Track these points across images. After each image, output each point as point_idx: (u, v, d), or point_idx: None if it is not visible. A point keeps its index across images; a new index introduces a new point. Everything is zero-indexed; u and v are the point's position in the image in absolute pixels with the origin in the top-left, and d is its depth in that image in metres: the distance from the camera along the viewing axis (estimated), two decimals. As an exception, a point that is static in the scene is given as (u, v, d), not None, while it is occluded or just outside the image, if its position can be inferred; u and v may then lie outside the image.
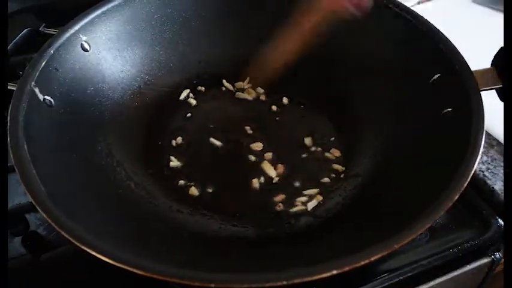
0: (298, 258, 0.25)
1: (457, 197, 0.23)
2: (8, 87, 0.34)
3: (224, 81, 0.42)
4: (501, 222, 0.34)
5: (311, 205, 0.33)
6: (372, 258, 0.21)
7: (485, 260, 0.35)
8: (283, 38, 0.36)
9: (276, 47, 0.36)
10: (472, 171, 0.24)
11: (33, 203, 0.25)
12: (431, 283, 0.34)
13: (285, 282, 0.21)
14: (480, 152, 0.25)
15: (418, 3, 0.54)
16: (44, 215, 0.24)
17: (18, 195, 0.36)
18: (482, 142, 0.26)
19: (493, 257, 0.35)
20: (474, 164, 0.24)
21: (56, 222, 0.23)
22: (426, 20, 0.34)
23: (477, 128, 0.26)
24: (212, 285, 0.21)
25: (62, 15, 0.40)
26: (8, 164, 0.37)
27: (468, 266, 0.34)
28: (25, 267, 0.33)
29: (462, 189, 0.24)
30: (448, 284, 0.35)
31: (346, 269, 0.21)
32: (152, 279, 0.27)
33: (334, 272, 0.21)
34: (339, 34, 0.36)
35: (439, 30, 0.33)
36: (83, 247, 0.22)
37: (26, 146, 0.27)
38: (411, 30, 0.34)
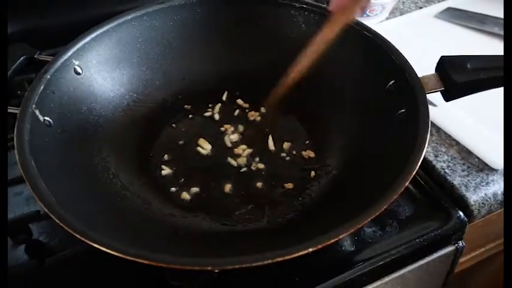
0: (279, 244, 0.29)
1: (409, 179, 0.29)
2: (9, 111, 0.38)
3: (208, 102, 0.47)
4: (461, 213, 0.40)
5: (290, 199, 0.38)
6: (340, 237, 0.26)
7: (450, 248, 0.40)
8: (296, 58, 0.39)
9: (290, 66, 0.40)
10: (422, 157, 0.30)
11: (48, 212, 0.29)
12: (403, 271, 0.39)
13: (270, 261, 0.26)
14: (427, 142, 0.31)
15: (387, 19, 0.62)
16: (59, 222, 0.28)
17: (19, 206, 0.40)
18: (428, 135, 0.32)
19: (456, 245, 0.41)
20: (422, 151, 0.30)
21: (70, 227, 0.28)
22: (381, 36, 0.41)
23: (424, 123, 0.32)
24: (209, 267, 0.25)
25: (53, 40, 0.45)
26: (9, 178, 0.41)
27: (435, 254, 0.40)
28: (28, 272, 0.37)
29: (414, 173, 0.29)
30: (418, 271, 0.40)
31: (320, 246, 0.26)
32: (147, 277, 0.32)
33: (310, 249, 0.26)
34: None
35: (391, 43, 0.39)
36: (100, 247, 0.26)
37: (33, 163, 0.32)
38: (369, 45, 0.41)
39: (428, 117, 0.33)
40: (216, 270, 0.34)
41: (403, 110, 0.36)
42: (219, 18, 0.47)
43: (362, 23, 0.42)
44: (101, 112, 0.42)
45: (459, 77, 0.34)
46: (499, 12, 0.60)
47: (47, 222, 0.40)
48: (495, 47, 0.55)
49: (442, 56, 0.36)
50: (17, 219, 0.39)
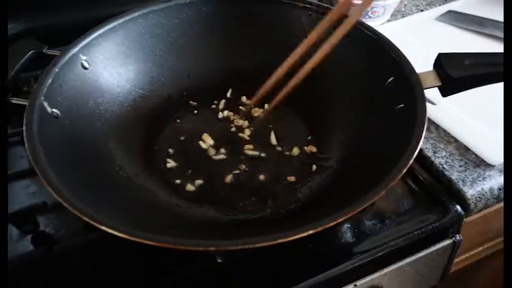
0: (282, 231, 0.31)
1: (405, 169, 0.31)
2: (13, 101, 0.40)
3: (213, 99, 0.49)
4: (458, 207, 0.42)
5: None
6: (340, 220, 0.28)
7: (447, 242, 0.42)
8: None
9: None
10: (418, 149, 0.32)
11: (57, 197, 0.30)
12: (402, 263, 0.41)
13: (272, 242, 0.27)
14: (422, 136, 0.33)
15: (388, 21, 0.64)
16: (68, 207, 0.30)
17: (27, 199, 0.42)
18: (425, 128, 0.34)
19: (454, 239, 0.42)
20: (418, 143, 0.32)
21: (80, 212, 0.29)
22: (381, 34, 0.43)
23: (421, 117, 0.34)
24: (212, 248, 0.27)
25: (61, 38, 0.47)
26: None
27: (433, 247, 0.42)
28: (34, 261, 0.38)
29: (409, 164, 0.31)
30: (417, 264, 0.42)
31: (319, 229, 0.28)
32: (149, 265, 0.33)
33: (311, 231, 0.28)
34: (314, 50, 0.45)
35: (391, 41, 0.42)
36: (107, 230, 0.28)
37: (42, 151, 0.33)
38: (370, 43, 0.43)
39: (426, 110, 0.35)
40: (219, 260, 0.37)
41: (401, 105, 0.38)
42: (224, 16, 0.49)
43: (363, 22, 0.44)
44: (107, 106, 0.44)
45: (455, 72, 0.37)
46: (498, 15, 0.62)
47: (53, 215, 0.41)
48: (494, 49, 0.58)
49: (439, 53, 0.39)
50: (24, 210, 0.41)
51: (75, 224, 0.41)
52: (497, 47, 0.59)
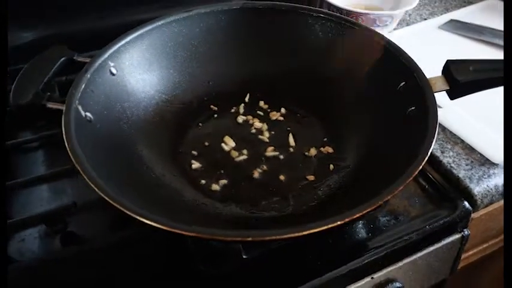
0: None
1: (421, 166, 0.34)
2: (48, 106, 0.43)
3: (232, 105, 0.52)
4: (466, 203, 0.45)
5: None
6: (364, 212, 0.32)
7: (456, 236, 0.46)
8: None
9: None
10: (431, 149, 0.36)
11: (97, 190, 0.33)
12: (414, 256, 0.44)
13: (302, 233, 0.31)
14: (435, 136, 0.36)
15: (394, 29, 0.68)
16: (111, 201, 0.32)
17: (55, 200, 0.45)
18: (437, 130, 0.37)
19: (462, 233, 0.46)
20: (431, 144, 0.36)
21: (123, 206, 0.32)
22: (393, 43, 0.47)
23: (433, 118, 0.38)
24: (249, 238, 0.30)
25: (90, 46, 0.50)
26: (38, 175, 0.46)
27: (443, 241, 0.45)
28: (61, 260, 0.41)
29: (425, 160, 0.35)
30: (428, 257, 0.45)
31: (347, 219, 0.31)
32: (176, 263, 0.36)
33: (339, 222, 0.31)
34: (328, 57, 0.48)
35: (402, 49, 0.45)
36: (150, 223, 0.31)
37: (80, 149, 0.36)
38: (383, 51, 0.47)
39: (437, 112, 0.39)
40: (244, 256, 0.39)
41: (413, 108, 0.42)
42: (242, 25, 0.52)
43: (376, 32, 0.48)
44: (133, 111, 0.47)
45: (462, 77, 0.40)
46: (496, 24, 0.67)
47: (81, 216, 0.44)
48: (493, 56, 0.62)
49: (447, 60, 0.42)
50: (53, 210, 0.44)
51: (102, 224, 0.44)
52: (496, 54, 0.63)
